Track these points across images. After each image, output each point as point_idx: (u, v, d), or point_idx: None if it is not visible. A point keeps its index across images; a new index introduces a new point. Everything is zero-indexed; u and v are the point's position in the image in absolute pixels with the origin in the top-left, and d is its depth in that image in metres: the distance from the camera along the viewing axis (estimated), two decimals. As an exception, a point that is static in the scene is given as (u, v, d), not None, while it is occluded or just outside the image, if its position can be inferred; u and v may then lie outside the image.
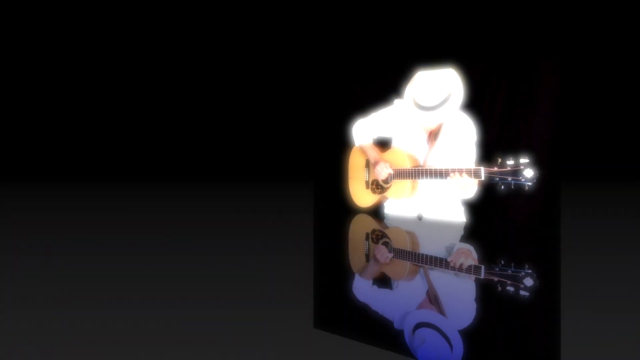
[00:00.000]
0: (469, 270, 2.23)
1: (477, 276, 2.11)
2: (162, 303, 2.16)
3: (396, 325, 1.82)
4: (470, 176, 3.21)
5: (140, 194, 6.33)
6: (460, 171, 3.26)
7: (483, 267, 2.22)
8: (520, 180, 3.06)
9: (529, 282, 1.99)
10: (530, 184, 3.05)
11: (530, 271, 2.18)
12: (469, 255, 2.58)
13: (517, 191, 3.39)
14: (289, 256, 2.98)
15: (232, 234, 3.71)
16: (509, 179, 3.09)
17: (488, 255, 2.83)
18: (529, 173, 3.05)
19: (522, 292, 1.89)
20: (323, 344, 1.72)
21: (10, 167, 7.61)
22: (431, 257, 2.61)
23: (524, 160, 3.08)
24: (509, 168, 3.10)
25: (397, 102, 3.80)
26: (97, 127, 7.69)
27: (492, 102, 3.48)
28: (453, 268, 2.33)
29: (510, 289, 1.92)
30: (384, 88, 3.89)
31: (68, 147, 7.72)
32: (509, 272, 2.11)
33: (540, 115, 3.34)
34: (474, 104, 3.48)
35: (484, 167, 3.18)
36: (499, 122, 3.46)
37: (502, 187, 3.12)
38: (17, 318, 1.99)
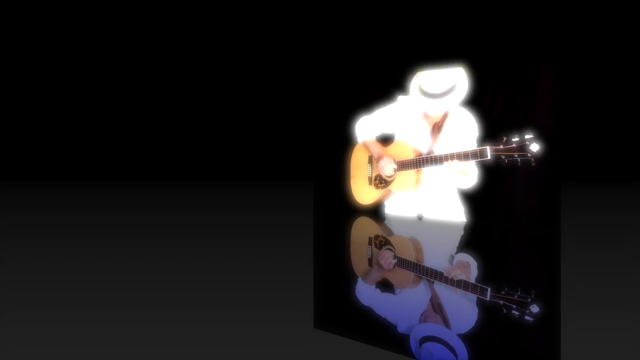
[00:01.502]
0: (474, 290, 2.23)
1: (483, 298, 2.11)
2: (162, 304, 2.15)
3: (400, 329, 1.82)
4: (477, 157, 3.21)
5: (139, 195, 6.33)
6: (452, 156, 3.27)
7: (489, 289, 2.22)
8: (526, 155, 3.07)
9: (535, 308, 1.98)
10: (536, 158, 3.05)
11: (537, 297, 2.16)
12: (464, 270, 2.56)
13: (518, 190, 3.39)
14: (289, 256, 2.98)
15: (232, 234, 3.71)
16: (515, 155, 3.09)
17: (492, 268, 2.81)
18: (535, 147, 3.06)
19: (527, 318, 1.88)
20: (323, 344, 1.72)
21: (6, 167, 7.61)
22: (434, 270, 2.60)
23: (528, 135, 3.08)
24: (514, 145, 3.10)
25: (400, 98, 3.81)
26: (94, 129, 7.69)
27: (492, 102, 3.48)
28: (447, 279, 2.34)
29: (516, 313, 1.92)
30: (385, 86, 3.90)
31: (66, 148, 7.72)
32: (515, 296, 2.10)
33: (541, 115, 3.34)
34: (475, 104, 3.49)
35: (490, 146, 3.20)
36: (499, 122, 3.46)
37: (509, 165, 3.12)
38: (16, 319, 1.99)
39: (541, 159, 3.11)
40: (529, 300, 2.07)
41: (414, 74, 3.62)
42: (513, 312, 1.92)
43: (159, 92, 7.56)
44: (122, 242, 3.38)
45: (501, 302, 2.02)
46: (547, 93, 3.30)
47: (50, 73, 7.55)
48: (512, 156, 3.10)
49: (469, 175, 3.43)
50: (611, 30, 6.11)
